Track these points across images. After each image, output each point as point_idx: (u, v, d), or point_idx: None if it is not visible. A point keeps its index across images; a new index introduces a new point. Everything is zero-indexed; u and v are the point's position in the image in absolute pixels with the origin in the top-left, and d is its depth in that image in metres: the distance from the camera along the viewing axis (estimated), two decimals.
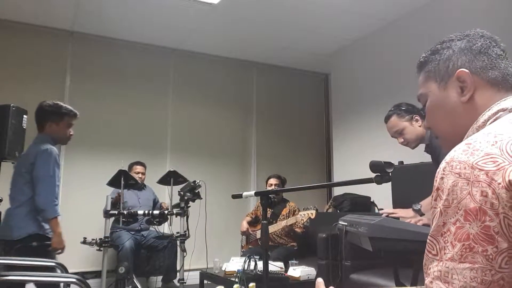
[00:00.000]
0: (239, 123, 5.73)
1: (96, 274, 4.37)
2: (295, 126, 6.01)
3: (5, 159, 3.08)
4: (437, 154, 2.26)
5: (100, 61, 4.99)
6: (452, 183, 0.64)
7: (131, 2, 4.18)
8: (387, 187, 3.51)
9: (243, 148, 5.71)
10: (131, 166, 4.51)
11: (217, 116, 5.54)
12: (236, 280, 2.98)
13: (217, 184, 5.01)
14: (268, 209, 1.88)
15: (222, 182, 5.24)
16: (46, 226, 2.55)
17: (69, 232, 4.38)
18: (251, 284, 0.94)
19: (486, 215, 0.59)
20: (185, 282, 3.23)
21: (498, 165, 0.61)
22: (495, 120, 0.76)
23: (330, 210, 4.40)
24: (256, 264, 3.10)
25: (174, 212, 3.19)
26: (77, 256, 4.40)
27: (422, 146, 2.46)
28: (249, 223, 4.46)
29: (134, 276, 3.37)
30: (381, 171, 1.32)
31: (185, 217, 3.19)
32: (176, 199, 3.27)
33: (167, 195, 3.86)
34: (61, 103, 2.73)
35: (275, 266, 3.39)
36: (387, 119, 2.48)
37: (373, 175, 1.34)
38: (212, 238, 3.98)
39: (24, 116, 3.22)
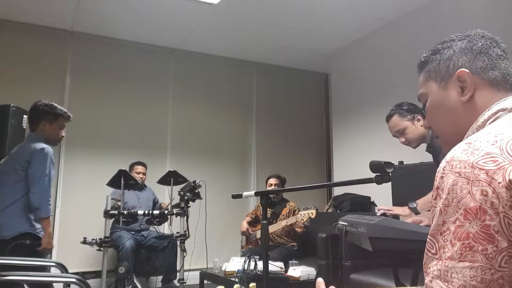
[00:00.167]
0: (239, 123, 5.73)
1: (96, 274, 4.37)
2: (295, 126, 6.01)
3: None
4: (438, 153, 2.26)
5: (100, 61, 4.99)
6: (452, 182, 0.64)
7: (131, 2, 4.18)
8: (387, 187, 3.51)
9: (243, 148, 5.71)
10: (132, 166, 4.52)
11: (217, 116, 5.54)
12: (236, 280, 2.98)
13: (217, 184, 5.01)
14: (268, 209, 1.88)
15: (222, 182, 5.24)
16: (37, 226, 2.54)
17: (69, 232, 4.44)
18: (252, 284, 0.94)
19: (486, 214, 0.60)
20: (185, 282, 3.23)
21: (498, 164, 0.61)
22: (495, 120, 0.76)
23: (330, 210, 4.41)
24: (256, 264, 3.10)
25: (174, 212, 3.19)
26: (77, 256, 4.41)
27: (422, 146, 2.46)
28: (249, 223, 4.46)
29: (134, 276, 3.37)
30: (381, 171, 1.32)
31: (185, 217, 3.19)
32: (176, 199, 3.27)
33: (167, 195, 3.86)
34: (56, 104, 2.73)
35: (275, 266, 3.39)
36: (388, 118, 2.47)
37: (373, 175, 1.34)
38: (212, 238, 3.99)
39: (24, 116, 3.23)
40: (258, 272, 3.00)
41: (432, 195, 0.68)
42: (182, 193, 3.21)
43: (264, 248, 1.85)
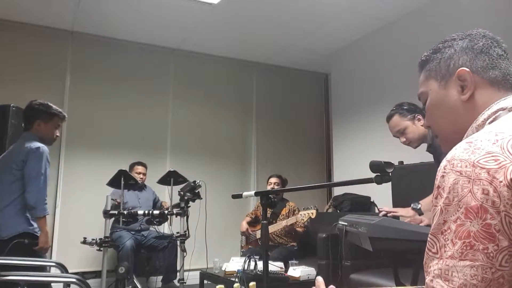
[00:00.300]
0: (239, 123, 5.73)
1: (96, 274, 4.37)
2: (295, 126, 6.01)
3: None
4: (440, 154, 2.25)
5: (100, 61, 4.99)
6: (453, 181, 0.64)
7: (131, 2, 4.18)
8: (387, 187, 3.51)
9: (243, 148, 5.71)
10: (132, 166, 4.51)
11: (217, 116, 5.54)
12: (236, 280, 2.98)
13: (217, 184, 5.01)
14: (268, 209, 1.88)
15: (222, 182, 5.24)
16: (35, 225, 2.55)
17: (69, 232, 4.44)
18: (252, 283, 0.94)
19: (487, 213, 0.60)
20: (185, 282, 3.23)
21: (500, 163, 0.61)
22: (495, 119, 0.76)
23: (330, 210, 4.41)
24: (256, 264, 3.09)
25: (174, 212, 3.18)
26: (77, 256, 4.41)
27: (422, 146, 2.46)
28: (249, 223, 4.46)
29: (134, 276, 3.37)
30: (381, 171, 1.32)
31: (185, 217, 3.19)
32: (176, 199, 3.27)
33: (167, 195, 3.86)
34: (51, 104, 2.73)
35: (275, 266, 3.39)
36: (389, 118, 2.47)
37: (373, 175, 1.34)
38: (212, 238, 3.99)
39: None
40: (258, 272, 3.00)
41: (433, 194, 0.68)
42: (182, 193, 3.21)
43: (264, 248, 1.85)
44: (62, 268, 2.32)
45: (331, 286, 0.93)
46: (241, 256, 4.12)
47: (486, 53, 0.84)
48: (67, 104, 4.70)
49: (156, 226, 3.62)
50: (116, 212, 3.11)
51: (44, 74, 4.69)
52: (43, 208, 2.54)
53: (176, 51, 5.38)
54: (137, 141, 5.03)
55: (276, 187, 4.40)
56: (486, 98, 0.81)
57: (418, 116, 2.39)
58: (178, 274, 3.45)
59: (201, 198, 3.22)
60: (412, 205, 2.27)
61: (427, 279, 0.65)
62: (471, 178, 0.62)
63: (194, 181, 3.21)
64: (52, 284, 2.56)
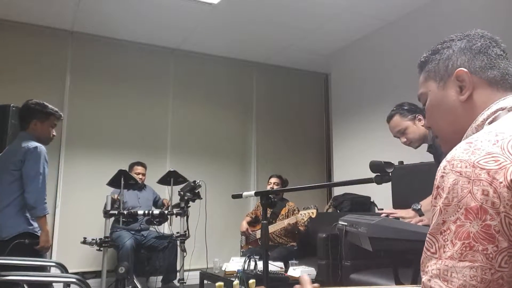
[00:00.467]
0: (239, 123, 5.73)
1: (96, 274, 4.37)
2: (295, 126, 6.01)
3: None
4: (440, 154, 2.25)
5: (100, 61, 4.99)
6: (453, 182, 0.64)
7: (131, 2, 4.18)
8: (387, 187, 3.51)
9: (243, 148, 5.71)
10: (131, 167, 4.51)
11: (217, 116, 5.54)
12: (236, 280, 2.98)
13: (217, 184, 5.01)
14: (268, 209, 1.88)
15: (222, 182, 5.24)
16: (35, 224, 2.55)
17: (69, 232, 4.44)
18: (251, 281, 0.94)
19: (487, 213, 0.59)
20: (185, 282, 3.23)
21: (500, 164, 0.61)
22: (494, 119, 0.76)
23: (330, 210, 4.41)
24: (256, 264, 3.09)
25: (174, 212, 3.19)
26: (77, 256, 4.41)
27: (422, 146, 2.46)
28: (249, 223, 4.46)
29: (134, 276, 3.37)
30: (381, 171, 1.32)
31: (185, 217, 3.19)
32: (176, 199, 3.27)
33: (167, 195, 3.86)
34: (47, 103, 2.73)
35: (275, 266, 3.39)
36: (389, 118, 2.46)
37: (373, 175, 1.34)
38: (212, 238, 3.99)
39: None
40: (258, 272, 3.00)
41: (432, 194, 0.68)
42: (182, 193, 3.21)
43: (264, 248, 1.85)
44: (62, 268, 2.32)
45: (316, 284, 0.92)
46: (241, 256, 4.12)
47: (484, 53, 0.84)
48: (67, 104, 4.70)
49: (156, 226, 3.62)
50: (116, 212, 3.11)
51: (44, 74, 4.69)
52: (43, 208, 2.54)
53: (176, 51, 5.38)
54: (137, 141, 5.03)
55: (276, 187, 4.40)
56: (484, 98, 0.81)
57: (419, 116, 2.38)
58: (178, 274, 3.45)
59: (201, 198, 3.22)
60: (412, 206, 2.27)
61: (424, 278, 0.65)
62: (471, 179, 0.62)
63: (194, 181, 3.21)
64: (52, 284, 2.56)
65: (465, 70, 0.83)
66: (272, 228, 4.14)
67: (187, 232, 3.21)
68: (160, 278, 4.29)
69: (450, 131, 0.87)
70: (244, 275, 2.93)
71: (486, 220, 0.59)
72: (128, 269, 2.96)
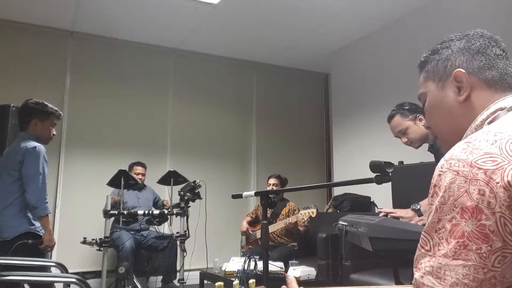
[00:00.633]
0: (239, 123, 5.74)
1: (96, 274, 4.37)
2: (295, 126, 6.01)
3: None
4: (440, 153, 2.25)
5: (100, 61, 4.99)
6: (450, 181, 0.64)
7: (131, 2, 4.18)
8: (387, 187, 3.51)
9: (243, 148, 5.71)
10: (131, 167, 4.51)
11: (217, 116, 5.55)
12: (236, 280, 2.98)
13: (217, 184, 5.01)
14: (268, 209, 1.88)
15: (222, 182, 5.24)
16: (37, 224, 2.55)
17: (69, 232, 4.44)
18: (251, 281, 0.94)
19: (482, 213, 0.60)
20: (185, 282, 3.23)
21: (497, 164, 0.61)
22: (493, 119, 0.76)
23: (330, 210, 4.41)
24: (256, 264, 3.09)
25: (174, 212, 3.19)
26: (77, 256, 4.41)
27: (423, 146, 2.45)
28: (249, 223, 4.46)
29: (134, 276, 3.37)
30: (381, 171, 1.32)
31: (185, 217, 3.19)
32: (176, 199, 3.27)
33: (167, 195, 3.86)
34: (46, 102, 2.72)
35: (275, 266, 3.39)
36: (390, 118, 2.45)
37: (373, 175, 1.34)
38: (212, 238, 3.98)
39: None
40: (258, 272, 3.00)
41: (429, 193, 0.68)
42: (182, 193, 3.21)
43: (264, 248, 1.85)
44: (62, 268, 2.33)
45: None
46: (241, 256, 4.12)
47: (483, 53, 0.84)
48: (67, 104, 4.70)
49: (156, 226, 3.62)
50: (116, 212, 3.12)
51: (44, 74, 4.69)
52: (44, 207, 2.54)
53: (176, 51, 5.38)
54: (137, 141, 5.03)
55: (275, 187, 4.40)
56: (482, 99, 0.81)
57: (420, 116, 2.38)
58: (178, 274, 3.45)
59: (201, 198, 3.23)
60: (411, 206, 2.27)
61: (417, 275, 0.65)
62: (467, 178, 0.62)
63: (194, 181, 3.21)
64: (53, 284, 2.56)
65: (463, 71, 0.83)
66: (272, 228, 4.14)
67: (187, 232, 3.21)
68: (160, 278, 4.29)
69: (449, 131, 0.87)
70: (244, 275, 2.93)
71: (481, 220, 0.60)
72: (128, 269, 2.96)
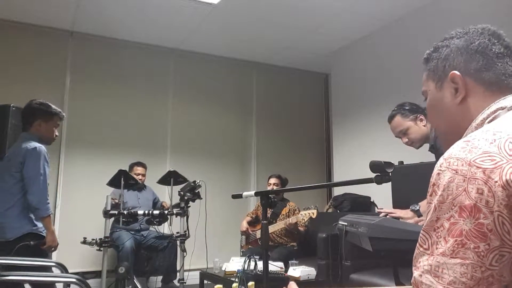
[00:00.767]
0: (239, 123, 5.74)
1: (96, 274, 4.37)
2: (295, 126, 6.01)
3: None
4: (440, 153, 2.24)
5: (100, 61, 4.99)
6: (448, 179, 0.64)
7: (131, 2, 4.18)
8: (387, 187, 3.51)
9: (243, 148, 5.71)
10: (131, 167, 4.51)
11: (217, 116, 5.55)
12: (236, 280, 2.98)
13: (217, 184, 5.01)
14: (268, 209, 1.88)
15: (222, 182, 5.24)
16: (39, 225, 2.55)
17: (69, 232, 4.44)
18: (250, 283, 0.94)
19: (481, 212, 0.60)
20: (185, 282, 3.23)
21: (496, 163, 0.61)
22: (494, 118, 0.76)
23: (330, 210, 4.41)
24: (256, 264, 3.09)
25: (174, 212, 3.19)
26: (77, 256, 4.41)
27: (423, 146, 2.45)
28: (249, 223, 4.46)
29: (134, 276, 3.37)
30: (381, 171, 1.32)
31: (185, 217, 3.19)
32: (176, 199, 3.27)
33: (167, 195, 3.86)
34: (50, 103, 2.73)
35: (275, 266, 3.39)
36: (390, 119, 2.45)
37: (373, 175, 1.34)
38: (212, 238, 3.98)
39: None
40: (258, 272, 3.00)
41: (428, 191, 0.68)
42: (182, 193, 3.21)
43: (264, 248, 1.85)
44: (62, 268, 2.33)
45: None
46: (241, 256, 4.12)
47: (481, 53, 0.82)
48: (67, 104, 4.70)
49: (156, 226, 3.62)
50: (116, 212, 3.11)
51: (44, 74, 4.69)
52: (46, 208, 2.54)
53: (176, 51, 5.38)
54: (137, 141, 5.03)
55: (275, 187, 4.40)
56: (479, 101, 0.80)
57: (420, 116, 2.37)
58: (178, 274, 3.45)
59: (201, 198, 3.22)
60: (411, 207, 2.27)
61: (416, 273, 0.65)
62: (466, 177, 0.62)
63: (194, 181, 3.21)
64: (55, 284, 2.56)
65: (458, 73, 0.82)
66: (272, 228, 4.14)
67: (187, 232, 3.21)
68: (160, 278, 4.28)
69: (448, 131, 0.87)
70: (244, 275, 2.93)
71: (479, 219, 0.60)
72: (128, 269, 2.96)
